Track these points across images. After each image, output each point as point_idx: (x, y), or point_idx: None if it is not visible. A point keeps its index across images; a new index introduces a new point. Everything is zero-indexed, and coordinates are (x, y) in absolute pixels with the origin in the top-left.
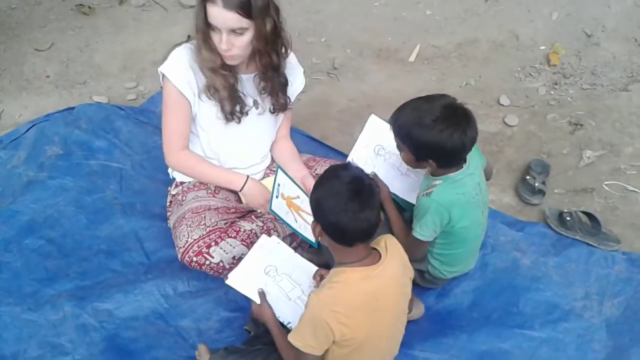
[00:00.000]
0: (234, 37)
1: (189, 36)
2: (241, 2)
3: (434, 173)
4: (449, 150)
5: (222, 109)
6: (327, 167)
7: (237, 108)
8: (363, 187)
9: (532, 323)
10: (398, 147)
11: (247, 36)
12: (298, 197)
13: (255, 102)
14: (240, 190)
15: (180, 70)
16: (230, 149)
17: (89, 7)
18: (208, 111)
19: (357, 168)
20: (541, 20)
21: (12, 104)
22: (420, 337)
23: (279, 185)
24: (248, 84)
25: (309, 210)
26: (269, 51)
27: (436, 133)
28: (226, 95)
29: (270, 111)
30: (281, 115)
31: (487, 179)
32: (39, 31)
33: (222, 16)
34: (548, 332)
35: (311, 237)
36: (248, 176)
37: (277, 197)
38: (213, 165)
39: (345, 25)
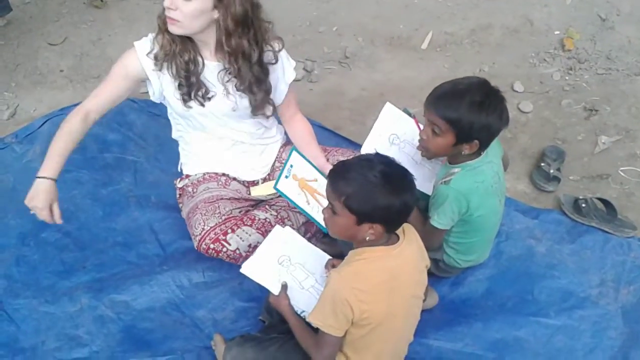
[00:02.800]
0: (181, 0)
1: None
2: None
3: (453, 161)
4: (495, 130)
5: (179, 88)
6: (338, 158)
7: (199, 92)
8: (396, 167)
9: (547, 311)
10: (433, 131)
11: (195, 5)
12: (316, 180)
13: (226, 92)
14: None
15: (149, 42)
16: (212, 153)
17: (101, 1)
18: (169, 90)
19: (376, 154)
20: (555, 4)
21: (27, 99)
22: (435, 326)
23: (291, 166)
24: (213, 72)
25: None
26: (240, 35)
27: (488, 112)
28: (181, 72)
29: (252, 112)
30: (268, 117)
31: (504, 169)
32: (52, 25)
33: None
34: (563, 319)
35: (323, 222)
36: (47, 177)
37: (287, 177)
38: (62, 142)
39: (356, 13)
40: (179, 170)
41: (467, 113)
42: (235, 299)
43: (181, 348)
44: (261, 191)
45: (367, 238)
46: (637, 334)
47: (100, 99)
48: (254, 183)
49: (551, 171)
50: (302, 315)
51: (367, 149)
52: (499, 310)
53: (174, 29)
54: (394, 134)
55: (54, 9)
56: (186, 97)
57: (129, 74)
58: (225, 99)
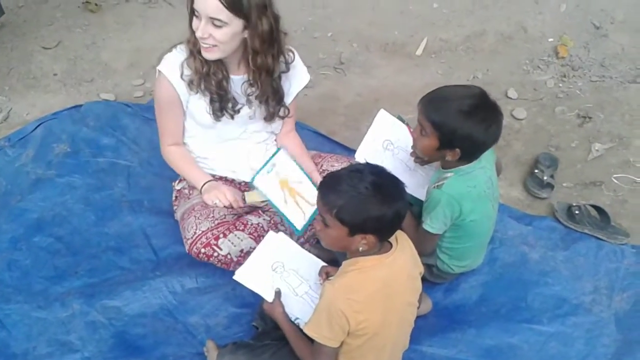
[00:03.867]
0: (212, 27)
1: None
2: None
3: (446, 165)
4: (480, 143)
5: (211, 104)
6: (332, 164)
7: (229, 105)
8: (387, 176)
9: (541, 318)
10: (421, 132)
11: (226, 31)
12: (300, 182)
13: (249, 100)
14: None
15: (175, 67)
16: (220, 155)
17: (96, 5)
18: (199, 107)
19: (366, 164)
20: (549, 12)
21: (20, 103)
22: (429, 332)
23: (274, 164)
24: (238, 85)
25: (309, 196)
26: (265, 52)
27: (473, 123)
28: (213, 89)
29: (265, 119)
30: (277, 122)
31: (497, 174)
32: (45, 29)
33: (206, 2)
34: (557, 326)
35: (297, 223)
36: (209, 180)
37: (268, 172)
38: (188, 164)
39: (352, 19)
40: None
41: (452, 119)
42: (228, 305)
43: (173, 354)
44: (256, 197)
45: (360, 249)
46: (631, 341)
47: (172, 130)
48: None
49: (545, 178)
50: (296, 322)
51: (361, 154)
52: (492, 317)
53: (212, 55)
54: (388, 140)
55: (48, 12)
56: (218, 113)
57: (173, 101)
58: (247, 108)
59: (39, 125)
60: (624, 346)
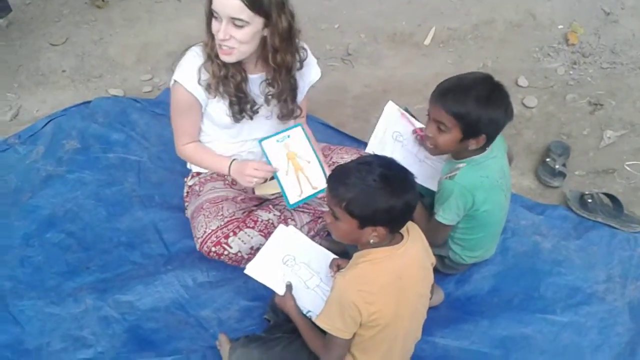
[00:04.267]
0: (233, 28)
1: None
2: None
3: (458, 156)
4: (500, 124)
5: (230, 107)
6: (342, 156)
7: (248, 106)
8: (396, 168)
9: (554, 307)
10: (439, 128)
11: (247, 31)
12: (309, 162)
13: (267, 100)
14: (229, 173)
15: (192, 73)
16: (233, 153)
17: (103, 0)
18: (217, 109)
19: (375, 156)
20: None
21: (30, 100)
22: (441, 323)
23: (288, 136)
24: (255, 84)
25: (314, 178)
26: (285, 50)
27: (495, 107)
28: (232, 91)
29: (278, 117)
30: (290, 120)
31: (509, 164)
32: (53, 26)
33: (225, 2)
34: (570, 316)
35: (290, 197)
36: (233, 159)
37: (278, 141)
38: (208, 153)
39: (359, 10)
40: (188, 167)
41: (474, 107)
42: (240, 298)
43: (186, 348)
44: (266, 190)
45: (371, 241)
46: None
47: (189, 131)
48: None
49: (556, 166)
50: (308, 315)
51: (372, 145)
52: (505, 308)
53: (231, 58)
54: (397, 132)
55: (55, 9)
56: (238, 116)
57: (192, 106)
58: (265, 108)
59: (48, 122)
60: (638, 335)
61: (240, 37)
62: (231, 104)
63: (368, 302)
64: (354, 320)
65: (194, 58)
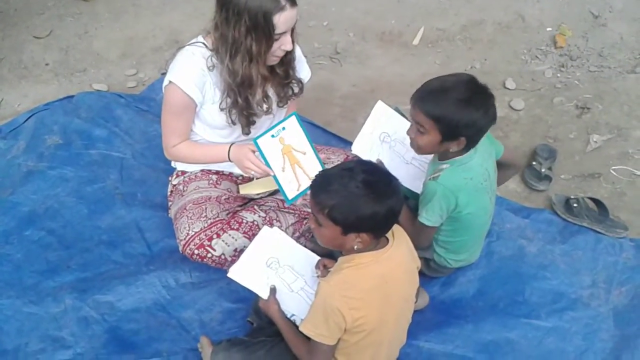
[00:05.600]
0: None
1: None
2: None
3: (442, 157)
4: (481, 127)
5: (240, 122)
6: (329, 156)
7: (252, 119)
8: (379, 173)
9: (539, 312)
10: (419, 130)
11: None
12: (304, 153)
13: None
14: (229, 159)
15: (188, 74)
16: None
17: None
18: (212, 110)
19: (357, 161)
20: (547, 0)
21: (12, 93)
22: (425, 327)
23: (283, 128)
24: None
25: (310, 169)
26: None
27: (474, 109)
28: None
29: (277, 104)
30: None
31: (514, 172)
32: (37, 18)
33: (292, 15)
34: (554, 321)
35: (289, 193)
36: (232, 143)
37: (273, 136)
38: (201, 147)
39: (348, 8)
40: (172, 166)
41: (452, 110)
42: (222, 300)
43: (167, 350)
44: (250, 189)
45: (355, 247)
46: (629, 335)
47: (181, 131)
48: (249, 178)
49: (542, 170)
50: (292, 319)
51: (358, 146)
52: (490, 312)
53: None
54: (385, 132)
55: (39, 1)
56: (246, 130)
57: (187, 106)
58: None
59: (30, 117)
60: (622, 341)
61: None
62: (240, 114)
63: (353, 307)
64: (338, 326)
65: (190, 58)
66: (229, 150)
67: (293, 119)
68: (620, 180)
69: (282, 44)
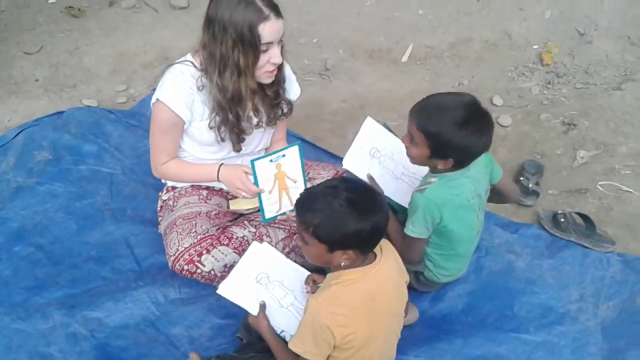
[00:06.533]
0: (278, 46)
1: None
2: (277, 6)
3: (433, 170)
4: (472, 153)
5: (231, 139)
6: (319, 172)
7: (242, 136)
8: (363, 190)
9: (527, 326)
10: (411, 140)
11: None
12: (295, 182)
13: (259, 125)
14: (218, 179)
15: (177, 92)
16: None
17: (79, 10)
18: (201, 128)
19: (341, 179)
20: (534, 19)
21: (1, 109)
22: (415, 342)
23: (283, 155)
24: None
25: (295, 197)
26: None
27: (467, 134)
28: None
29: (266, 124)
30: (270, 132)
31: (509, 199)
32: (28, 34)
33: (277, 26)
34: (543, 335)
35: (267, 213)
36: (222, 164)
37: (271, 161)
38: (190, 166)
39: (337, 25)
40: (162, 182)
41: (446, 130)
42: (212, 316)
43: None
44: (240, 205)
45: (342, 264)
46: (617, 349)
47: (169, 149)
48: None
49: (530, 185)
50: (282, 334)
51: (348, 162)
52: (479, 326)
53: (272, 78)
54: (375, 148)
55: (30, 17)
56: (237, 146)
57: (175, 124)
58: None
59: (20, 132)
60: (610, 355)
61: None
62: (231, 130)
63: (341, 324)
64: (327, 343)
65: (178, 76)
66: (218, 170)
67: (295, 149)
68: (607, 195)
69: (271, 57)
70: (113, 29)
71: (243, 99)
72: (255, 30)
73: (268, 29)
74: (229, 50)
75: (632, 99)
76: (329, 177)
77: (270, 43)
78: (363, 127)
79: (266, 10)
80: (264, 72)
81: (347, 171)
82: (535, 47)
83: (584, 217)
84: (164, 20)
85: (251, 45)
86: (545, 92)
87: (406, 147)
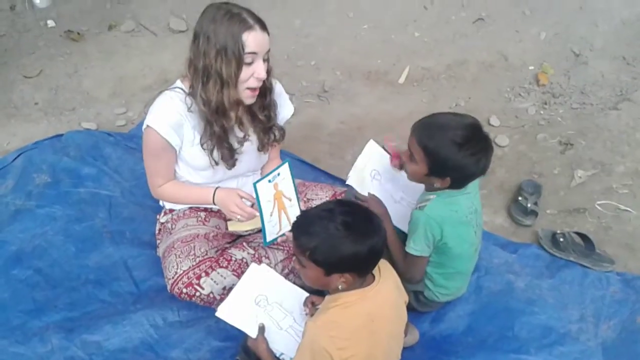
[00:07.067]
0: (264, 64)
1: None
2: (263, 21)
3: (430, 188)
4: (470, 174)
5: (222, 158)
6: (317, 192)
7: (234, 154)
8: (359, 213)
9: (528, 347)
10: (411, 156)
11: (266, 63)
12: (290, 200)
13: (245, 138)
14: (214, 203)
15: (165, 118)
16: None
17: (78, 34)
18: (192, 153)
19: (337, 201)
20: (529, 40)
21: (0, 132)
22: None
23: (278, 174)
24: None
25: (291, 215)
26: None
27: (465, 155)
28: (223, 137)
29: (258, 149)
30: (267, 154)
31: None
32: (27, 58)
33: (262, 38)
34: (544, 356)
35: (269, 236)
36: (217, 187)
37: (269, 181)
38: (186, 189)
39: (335, 48)
40: (160, 204)
41: (445, 149)
42: (211, 339)
43: None
44: (239, 226)
45: (340, 287)
46: None
47: (164, 172)
48: None
49: (528, 205)
50: (281, 357)
51: (352, 180)
52: (480, 347)
53: (255, 98)
54: (375, 170)
55: (30, 41)
56: (229, 164)
57: (165, 148)
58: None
59: (19, 155)
60: None
61: (266, 69)
62: (221, 149)
63: (340, 347)
64: None
65: (168, 103)
66: (214, 194)
67: (286, 166)
68: (605, 214)
69: (255, 72)
70: (112, 53)
71: (227, 110)
72: (238, 38)
73: (252, 39)
74: (212, 60)
75: (628, 119)
76: (327, 198)
77: (254, 54)
78: (365, 150)
79: (251, 21)
80: (246, 88)
81: (345, 192)
82: (531, 67)
83: (583, 236)
84: (163, 44)
85: (234, 54)
86: (542, 112)
87: (404, 163)
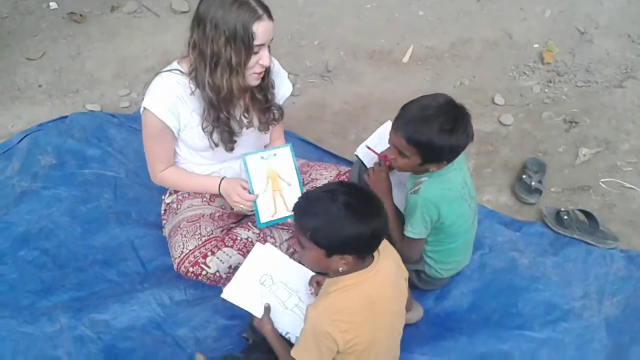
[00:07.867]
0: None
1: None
2: (269, 9)
3: (418, 171)
4: (462, 148)
5: (222, 140)
6: (321, 172)
7: (234, 137)
8: (361, 194)
9: (532, 324)
10: (400, 154)
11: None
12: (290, 184)
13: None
14: (220, 194)
15: (162, 100)
16: (216, 171)
17: (81, 15)
18: (191, 135)
19: (339, 182)
20: (534, 18)
21: (5, 115)
22: (420, 340)
23: (274, 154)
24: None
25: (291, 202)
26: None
27: (457, 136)
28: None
29: (259, 129)
30: (269, 133)
31: None
32: (30, 40)
33: (269, 27)
34: (548, 332)
35: (262, 216)
36: (223, 177)
37: (262, 158)
38: (190, 176)
39: (338, 27)
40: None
41: (437, 139)
42: (217, 317)
43: None
44: None
45: (340, 269)
46: (621, 345)
47: (163, 156)
48: None
49: (532, 183)
50: (287, 336)
51: (361, 151)
52: (484, 324)
53: (259, 80)
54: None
55: (32, 23)
56: (228, 147)
57: (164, 130)
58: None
59: (24, 137)
60: (615, 351)
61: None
62: (222, 132)
63: (343, 330)
64: (330, 350)
65: (165, 85)
66: (219, 184)
67: (287, 149)
68: (609, 192)
69: (260, 59)
70: (115, 34)
71: (235, 97)
72: (249, 28)
73: (262, 29)
74: (221, 48)
75: (633, 96)
76: (332, 177)
77: (262, 45)
78: (381, 127)
79: (260, 10)
80: (252, 73)
81: (349, 171)
82: (535, 46)
83: (587, 214)
84: (165, 25)
85: (244, 43)
86: (547, 90)
87: (392, 160)
